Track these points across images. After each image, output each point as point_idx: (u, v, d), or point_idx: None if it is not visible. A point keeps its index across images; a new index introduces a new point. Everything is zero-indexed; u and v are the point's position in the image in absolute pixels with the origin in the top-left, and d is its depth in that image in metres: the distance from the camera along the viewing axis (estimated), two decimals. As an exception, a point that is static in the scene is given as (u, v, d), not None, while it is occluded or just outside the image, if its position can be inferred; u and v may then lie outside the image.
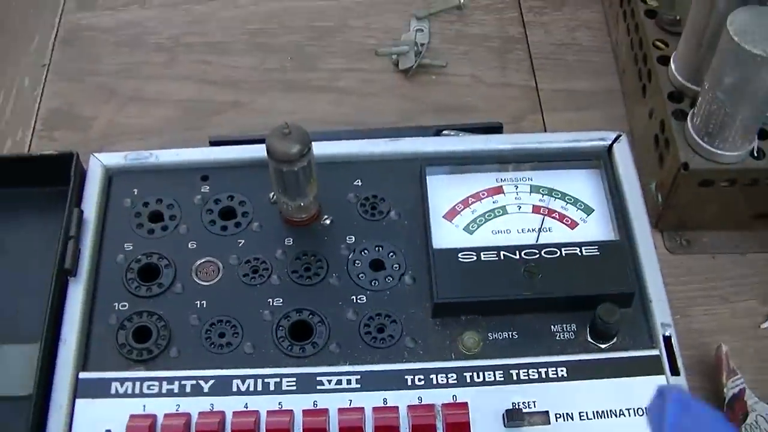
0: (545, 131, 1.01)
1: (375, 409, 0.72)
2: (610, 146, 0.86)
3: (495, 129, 0.93)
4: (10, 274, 0.87)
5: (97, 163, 0.86)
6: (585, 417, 0.73)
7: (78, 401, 0.74)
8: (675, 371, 0.75)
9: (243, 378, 0.74)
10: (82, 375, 0.75)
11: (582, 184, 0.85)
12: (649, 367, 0.75)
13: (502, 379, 0.74)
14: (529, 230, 0.82)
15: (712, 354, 0.86)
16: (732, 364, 0.83)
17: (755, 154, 0.88)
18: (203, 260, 0.81)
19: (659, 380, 0.74)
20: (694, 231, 0.95)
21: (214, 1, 1.15)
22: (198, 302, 0.79)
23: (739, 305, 0.91)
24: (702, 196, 0.90)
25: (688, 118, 0.89)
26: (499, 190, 0.84)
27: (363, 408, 0.72)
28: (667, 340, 0.76)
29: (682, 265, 0.94)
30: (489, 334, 0.77)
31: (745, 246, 0.95)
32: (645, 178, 0.96)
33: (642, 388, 0.74)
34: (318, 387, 0.74)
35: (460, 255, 0.78)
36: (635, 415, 0.73)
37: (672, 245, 0.95)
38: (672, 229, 0.95)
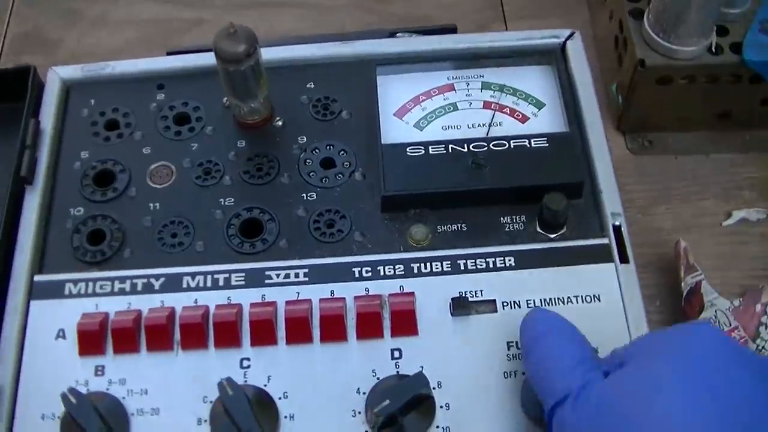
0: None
1: (321, 300, 0.73)
2: (564, 43, 0.86)
3: (449, 31, 0.92)
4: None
5: (55, 76, 0.86)
6: (532, 304, 0.73)
7: (32, 302, 0.75)
8: (624, 259, 0.75)
9: (193, 275, 0.75)
10: (37, 278, 0.76)
11: (534, 80, 0.85)
12: (598, 255, 0.75)
13: (450, 269, 0.74)
14: (479, 125, 0.82)
15: (672, 251, 0.85)
16: (691, 260, 0.83)
17: (713, 50, 0.88)
18: (157, 164, 0.81)
19: (608, 268, 0.74)
20: (657, 132, 0.95)
21: None
22: (151, 205, 0.79)
23: (701, 204, 0.91)
24: (662, 95, 0.90)
25: (644, 16, 0.88)
26: (450, 88, 0.84)
27: (310, 300, 0.73)
28: (617, 229, 0.76)
29: (644, 165, 0.94)
30: (438, 227, 0.77)
31: (708, 146, 0.95)
32: (607, 82, 0.96)
33: (590, 276, 0.74)
34: (266, 281, 0.74)
35: (408, 149, 0.78)
36: (582, 302, 0.73)
37: (634, 146, 0.94)
38: (634, 131, 0.95)
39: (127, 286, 0.75)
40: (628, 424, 0.55)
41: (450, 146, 0.78)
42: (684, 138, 0.95)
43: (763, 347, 0.81)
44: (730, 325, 0.81)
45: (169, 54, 0.91)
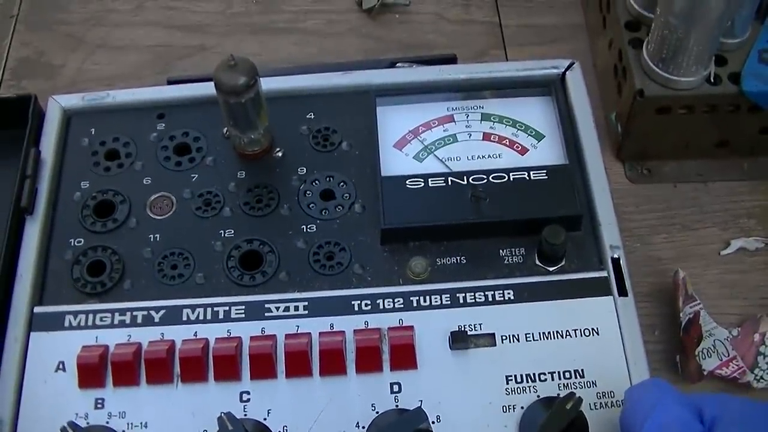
0: (507, 65, 1.00)
1: (321, 333, 0.73)
2: (563, 74, 0.86)
3: (449, 60, 0.93)
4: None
5: (56, 105, 0.86)
6: (531, 338, 0.73)
7: (32, 334, 0.75)
8: (623, 292, 0.75)
9: (193, 307, 0.75)
10: (37, 309, 0.76)
11: (534, 111, 0.85)
12: (597, 288, 0.75)
13: (449, 302, 0.74)
14: (478, 157, 0.82)
15: (671, 280, 0.85)
16: (690, 290, 0.83)
17: (712, 80, 0.88)
18: (157, 195, 0.81)
19: (606, 301, 0.74)
20: (656, 160, 0.95)
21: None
22: (151, 236, 0.79)
23: (700, 233, 0.91)
24: (661, 124, 0.90)
25: (644, 46, 0.88)
26: (449, 119, 0.84)
27: (310, 333, 0.73)
28: (616, 261, 0.76)
29: (643, 194, 0.94)
30: (437, 260, 0.77)
31: (706, 174, 0.95)
32: (606, 110, 0.96)
33: (589, 309, 0.74)
34: (266, 314, 0.74)
35: (408, 182, 0.78)
36: (581, 336, 0.73)
37: (633, 175, 0.95)
38: (633, 159, 0.95)
39: (127, 318, 0.75)
40: None
41: (449, 179, 0.78)
42: (683, 166, 0.95)
43: (761, 377, 0.81)
44: (729, 354, 0.81)
45: (169, 83, 0.91)
